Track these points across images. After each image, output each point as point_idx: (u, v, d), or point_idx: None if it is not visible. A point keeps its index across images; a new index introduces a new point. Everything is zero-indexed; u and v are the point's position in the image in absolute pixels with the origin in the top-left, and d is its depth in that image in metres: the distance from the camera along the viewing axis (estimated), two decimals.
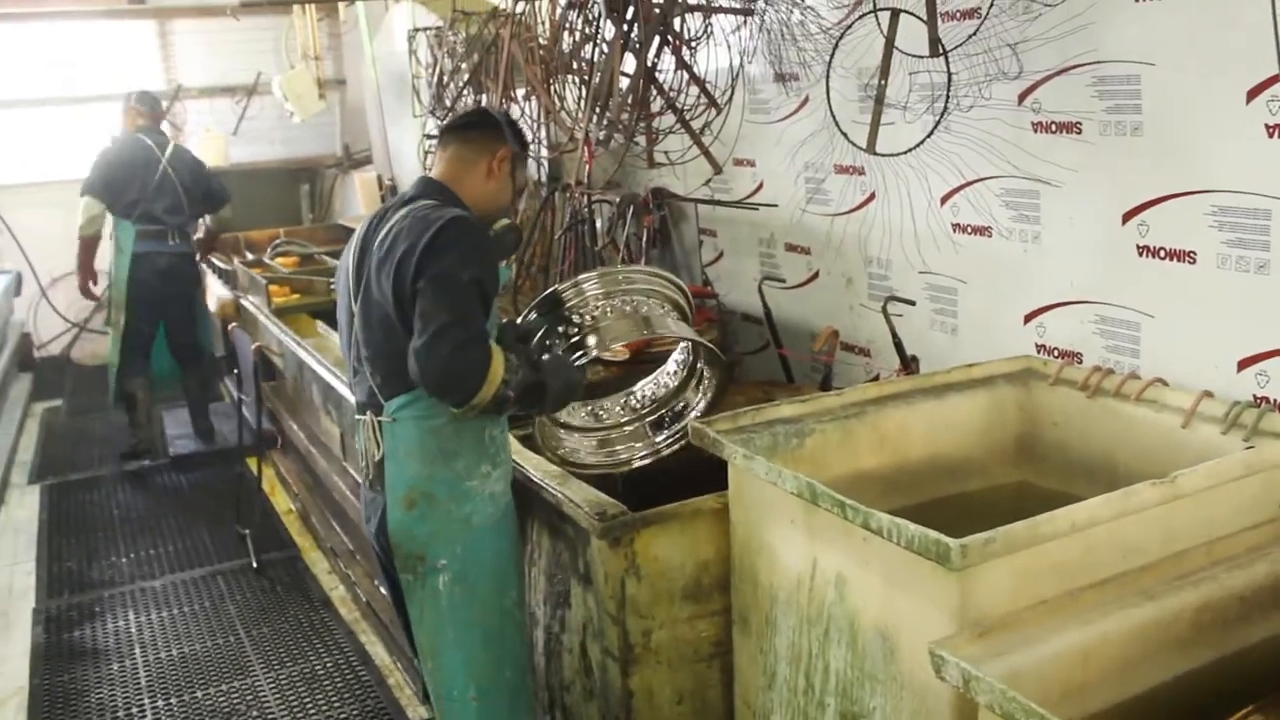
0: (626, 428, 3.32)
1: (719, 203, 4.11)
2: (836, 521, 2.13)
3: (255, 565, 4.89)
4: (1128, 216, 2.76)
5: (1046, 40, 2.82)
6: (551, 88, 4.19)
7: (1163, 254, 2.68)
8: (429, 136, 5.99)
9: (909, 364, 3.24)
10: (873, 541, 2.07)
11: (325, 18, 8.62)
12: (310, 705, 3.78)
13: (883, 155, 3.12)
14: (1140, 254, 2.74)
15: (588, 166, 4.08)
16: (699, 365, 3.26)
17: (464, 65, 4.87)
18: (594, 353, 2.86)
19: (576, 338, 2.87)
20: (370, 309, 2.64)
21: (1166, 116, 2.60)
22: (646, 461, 3.24)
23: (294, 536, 5.26)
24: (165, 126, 6.76)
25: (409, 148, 6.57)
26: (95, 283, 6.39)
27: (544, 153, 4.73)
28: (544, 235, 4.87)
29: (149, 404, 6.46)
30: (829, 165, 3.78)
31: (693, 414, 3.20)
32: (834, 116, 3.25)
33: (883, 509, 2.73)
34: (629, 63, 3.68)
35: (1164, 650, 1.91)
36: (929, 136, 3.02)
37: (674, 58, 3.62)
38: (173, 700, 3.86)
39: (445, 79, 5.17)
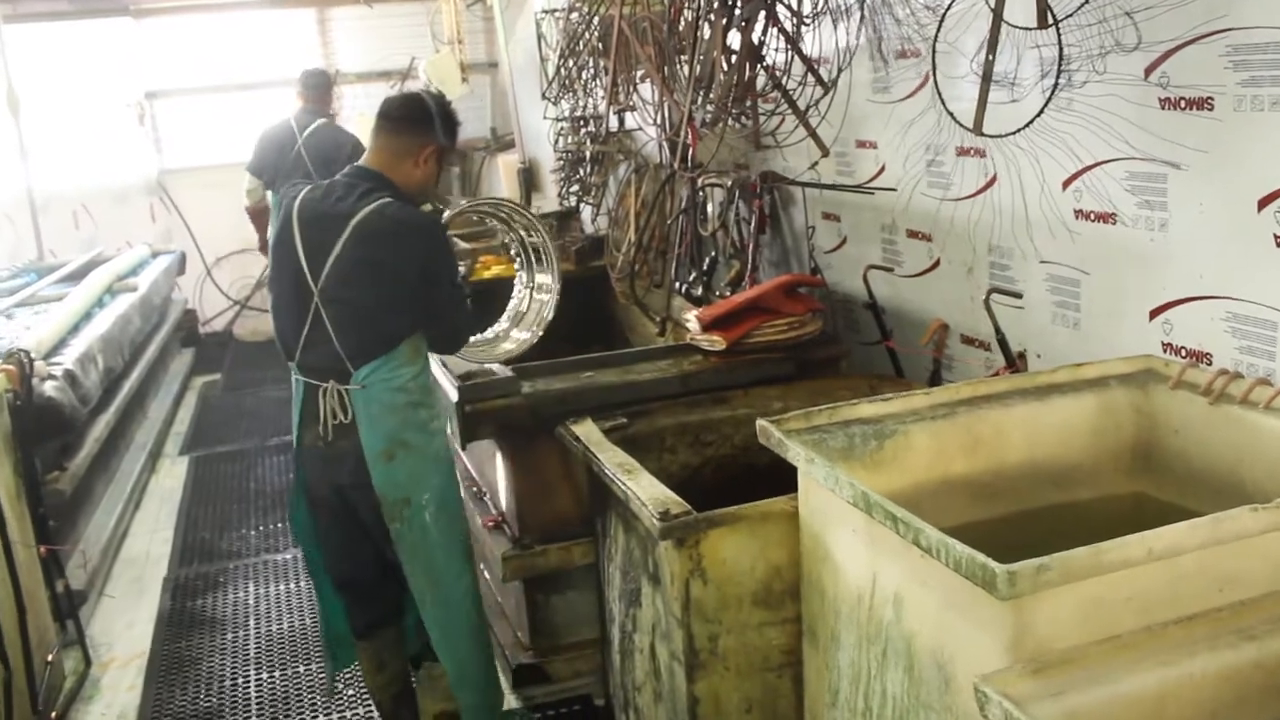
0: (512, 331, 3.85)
1: (827, 186, 3.92)
2: (895, 535, 1.96)
3: None
4: (1264, 202, 2.47)
5: (1170, 6, 2.54)
6: (666, 69, 4.08)
7: None
8: (557, 120, 5.97)
9: (1014, 361, 3.01)
10: (931, 559, 1.90)
11: (476, 2, 8.70)
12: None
13: (990, 136, 2.90)
14: (1279, 244, 2.46)
15: (691, 149, 3.95)
16: (539, 278, 3.88)
17: (580, 47, 4.79)
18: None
19: None
20: (344, 289, 2.93)
21: None
22: (523, 347, 3.76)
23: None
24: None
25: (544, 130, 6.55)
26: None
27: (659, 134, 4.62)
28: (662, 219, 4.77)
29: None
30: (950, 147, 3.55)
31: (548, 291, 3.84)
32: (940, 95, 3.03)
33: (973, 517, 2.53)
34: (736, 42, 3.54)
35: (1266, 698, 1.68)
36: (1038, 115, 2.78)
37: (781, 36, 3.46)
38: (276, 674, 3.95)
39: (561, 61, 5.12)
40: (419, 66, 8.09)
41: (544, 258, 3.78)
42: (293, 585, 4.68)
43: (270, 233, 3.20)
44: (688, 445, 3.31)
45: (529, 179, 6.72)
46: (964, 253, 3.61)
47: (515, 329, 3.78)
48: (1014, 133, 2.89)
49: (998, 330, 3.05)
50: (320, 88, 6.70)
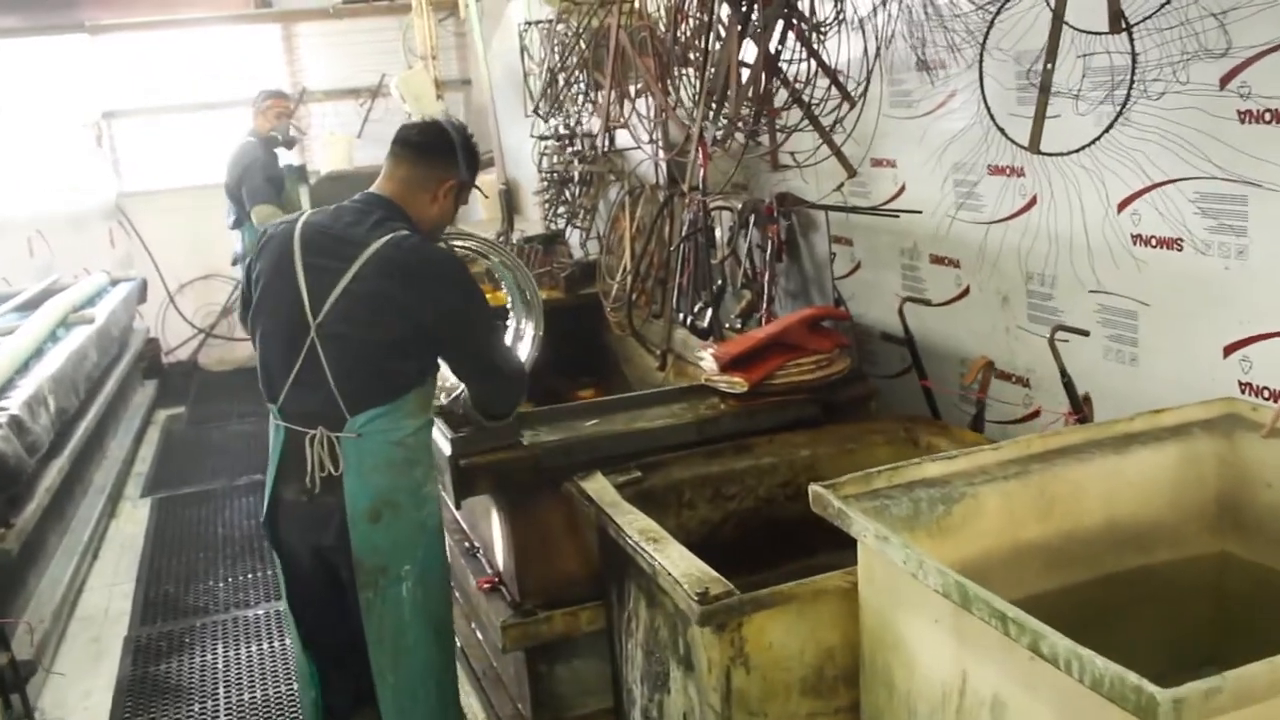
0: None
1: (854, 209, 3.62)
2: (995, 631, 1.65)
3: None
4: None
5: (1261, 6, 2.25)
6: (667, 81, 3.77)
7: None
8: (542, 138, 5.65)
9: (1081, 407, 2.70)
10: (1043, 662, 1.58)
11: (449, 16, 8.37)
12: None
13: (1049, 155, 2.60)
14: None
15: (702, 170, 3.64)
16: (521, 325, 3.56)
17: (572, 60, 4.48)
18: None
19: None
20: (347, 325, 2.65)
21: None
22: None
23: None
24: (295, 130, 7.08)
25: (526, 149, 6.22)
26: None
27: (660, 154, 4.30)
28: (660, 245, 4.44)
29: None
30: (982, 166, 3.25)
31: (527, 335, 3.53)
32: (988, 109, 2.74)
33: (1047, 586, 2.25)
34: (750, 52, 3.23)
35: None
36: (1107, 131, 2.49)
37: (800, 44, 3.15)
38: None
39: (551, 75, 4.79)
40: (390, 83, 7.75)
41: (526, 300, 3.47)
42: (265, 646, 4.31)
43: (257, 260, 2.84)
44: (707, 499, 2.99)
45: (510, 200, 6.38)
46: (998, 280, 3.31)
47: None
48: (1077, 150, 2.60)
49: (1064, 372, 2.75)
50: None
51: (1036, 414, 3.19)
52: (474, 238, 3.41)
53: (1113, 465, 2.30)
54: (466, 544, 3.74)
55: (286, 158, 7.16)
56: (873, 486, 2.13)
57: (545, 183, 5.74)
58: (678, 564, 2.27)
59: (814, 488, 2.11)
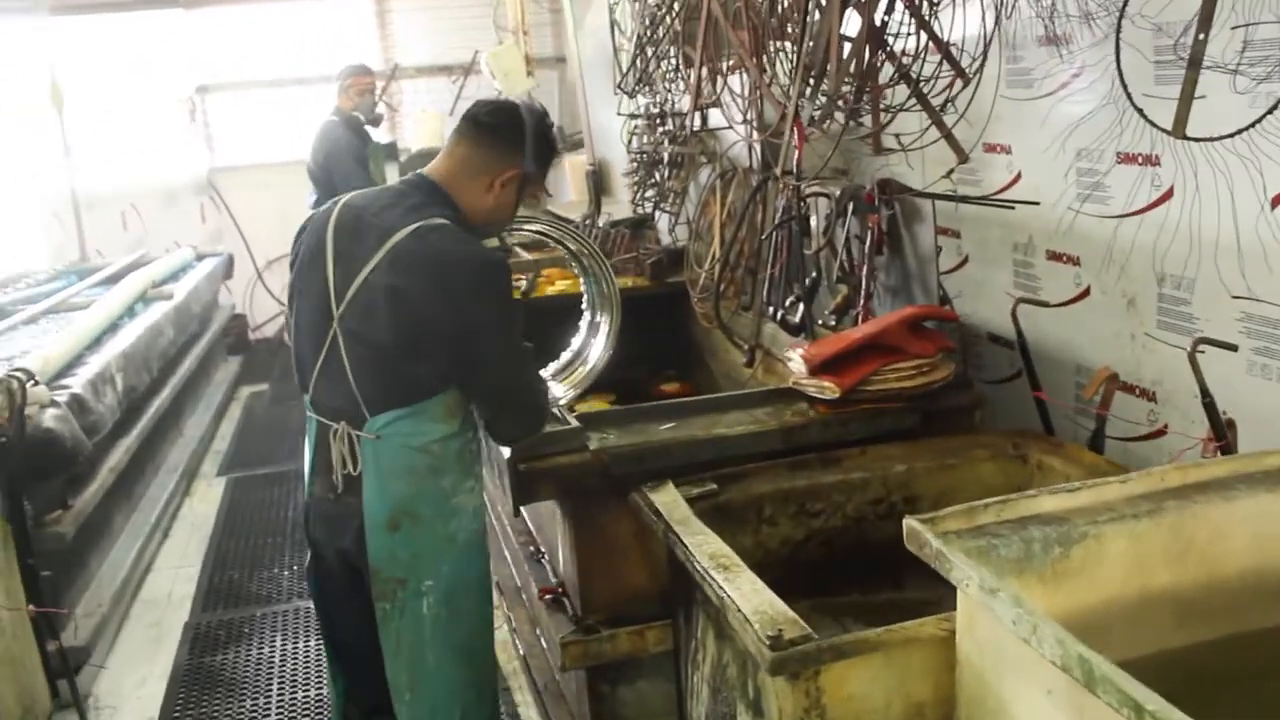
0: (551, 382, 3.16)
1: (964, 199, 3.28)
2: None
3: None
4: None
5: None
6: (762, 56, 3.47)
7: None
8: (632, 116, 5.38)
9: (1224, 433, 2.36)
10: None
11: None
12: None
13: (1195, 140, 2.26)
14: None
15: (797, 152, 3.33)
16: (596, 317, 3.21)
17: (661, 33, 4.20)
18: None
19: None
20: (364, 322, 2.44)
21: None
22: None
23: None
24: (382, 107, 6.93)
25: (616, 128, 5.96)
26: None
27: (753, 135, 4.00)
28: (752, 233, 4.16)
29: None
30: (1111, 153, 2.90)
31: (594, 355, 3.19)
32: (1125, 86, 2.40)
33: (1180, 643, 1.94)
34: (854, 24, 2.93)
35: None
36: (1269, 113, 2.13)
37: (910, 15, 2.84)
38: None
39: (639, 48, 4.52)
40: (481, 60, 7.56)
41: (604, 293, 3.18)
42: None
43: (299, 242, 2.63)
44: (790, 516, 2.71)
45: (598, 182, 6.14)
46: (1124, 281, 2.96)
47: (556, 380, 3.18)
48: (1231, 135, 2.25)
49: (1205, 391, 2.40)
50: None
51: (1162, 432, 2.84)
52: (546, 221, 3.15)
53: (1263, 505, 1.97)
54: (531, 548, 3.51)
55: (376, 135, 7.01)
56: (978, 522, 1.84)
57: (634, 164, 5.47)
58: (749, 599, 2.00)
59: (909, 522, 1.81)
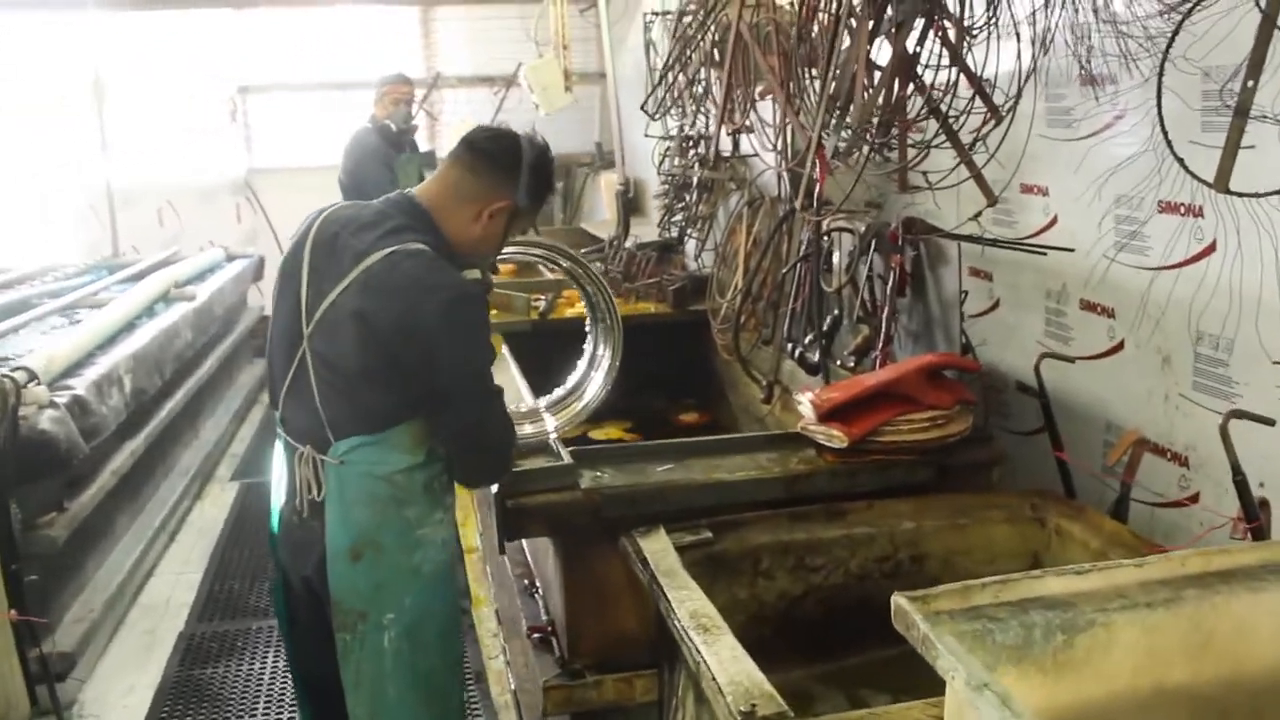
0: (545, 413, 3.01)
1: (993, 242, 3.13)
2: None
3: None
4: None
5: None
6: (793, 84, 3.33)
7: None
8: (666, 138, 5.26)
9: (1256, 514, 2.19)
10: None
11: (590, 7, 8.06)
12: None
13: (1239, 195, 2.10)
14: None
15: (819, 184, 3.19)
16: (599, 350, 3.07)
17: (691, 55, 4.08)
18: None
19: None
20: (329, 345, 2.33)
21: None
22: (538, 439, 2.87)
23: (470, 583, 4.63)
24: (421, 116, 6.97)
25: (649, 148, 5.84)
26: None
27: (779, 163, 3.87)
28: (777, 264, 4.02)
29: None
30: (1151, 201, 2.74)
31: (590, 391, 3.03)
32: (1165, 134, 2.24)
33: None
34: (885, 54, 2.79)
35: None
36: None
37: (944, 47, 2.70)
38: None
39: (665, 71, 4.40)
40: (521, 73, 7.48)
41: (607, 325, 3.05)
42: None
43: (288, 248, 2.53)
44: (788, 570, 2.56)
45: (628, 202, 6.01)
46: (1160, 337, 2.79)
47: (551, 411, 3.04)
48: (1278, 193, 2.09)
49: (1237, 469, 2.23)
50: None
51: (1194, 499, 2.67)
52: (541, 244, 3.02)
53: None
54: (526, 581, 3.39)
55: (421, 143, 6.97)
56: (974, 602, 1.68)
57: (665, 186, 5.35)
58: (726, 667, 1.86)
59: (897, 599, 1.66)
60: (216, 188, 8.66)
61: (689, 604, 2.10)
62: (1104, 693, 1.71)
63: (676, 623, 2.05)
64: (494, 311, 4.67)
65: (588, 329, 3.11)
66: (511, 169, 2.45)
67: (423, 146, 7.35)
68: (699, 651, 1.92)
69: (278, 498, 2.55)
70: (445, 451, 2.43)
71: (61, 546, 3.71)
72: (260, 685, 3.89)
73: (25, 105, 7.80)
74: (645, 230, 5.89)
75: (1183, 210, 2.64)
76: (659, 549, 2.37)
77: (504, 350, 4.16)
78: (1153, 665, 1.73)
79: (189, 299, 5.90)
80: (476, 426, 2.40)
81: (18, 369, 3.63)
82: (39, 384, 3.65)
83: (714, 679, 1.82)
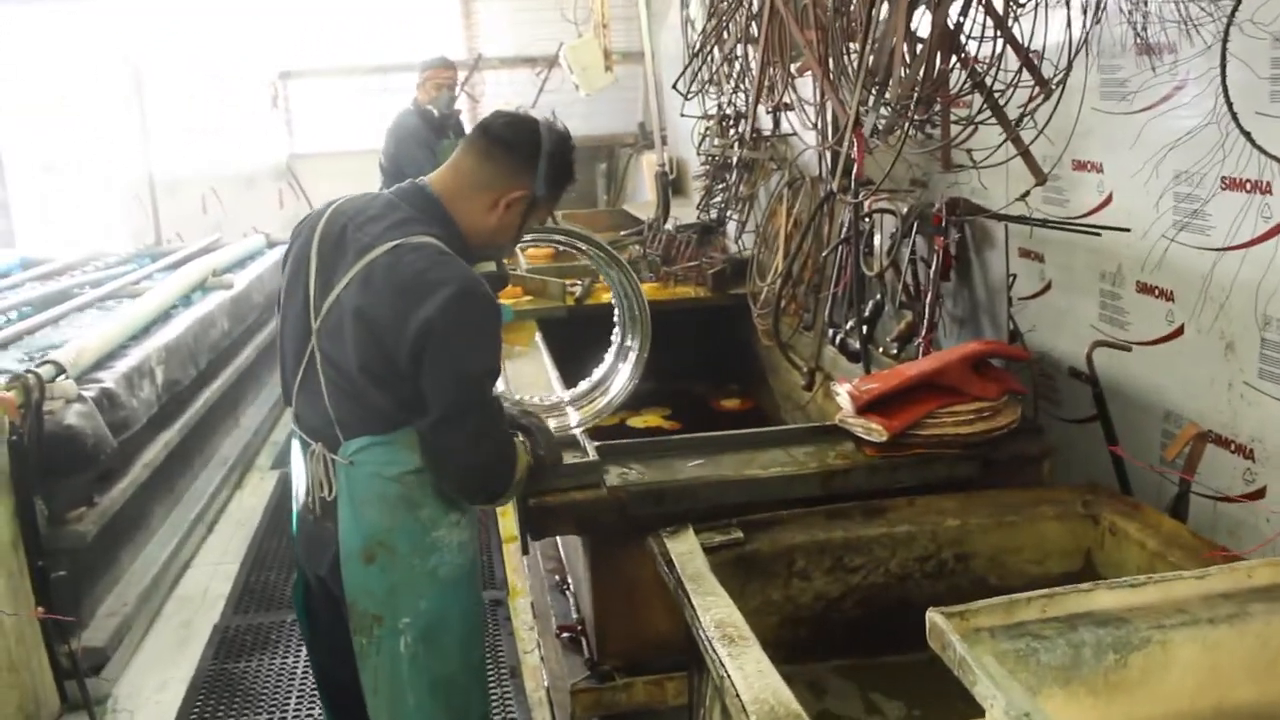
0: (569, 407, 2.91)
1: (1042, 222, 2.97)
2: None
3: None
4: None
5: None
6: (832, 59, 3.19)
7: None
8: (706, 117, 5.12)
9: None
10: None
11: None
12: None
13: None
14: None
15: (857, 164, 3.05)
16: (627, 341, 2.95)
17: (728, 31, 3.93)
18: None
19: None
20: (334, 344, 2.23)
21: None
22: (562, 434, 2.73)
23: (508, 573, 4.55)
24: (463, 99, 6.86)
25: (689, 127, 5.69)
26: None
27: (819, 142, 3.72)
28: (818, 247, 3.87)
29: None
30: (1214, 177, 2.57)
31: (616, 385, 2.92)
32: (1230, 105, 2.08)
33: None
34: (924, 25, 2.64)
35: None
36: None
37: (988, 17, 2.54)
38: None
39: (700, 47, 4.25)
40: (562, 53, 7.37)
41: (634, 315, 2.92)
42: None
43: (292, 240, 2.43)
44: (825, 570, 2.43)
45: (668, 183, 5.87)
46: (1223, 322, 2.62)
47: (575, 405, 2.92)
48: None
49: None
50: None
51: (1260, 494, 2.50)
52: (562, 230, 2.90)
53: None
54: (557, 577, 3.30)
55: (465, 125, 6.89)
56: (1018, 618, 1.56)
57: (705, 167, 5.20)
58: (751, 682, 1.74)
59: (932, 615, 1.54)
60: (259, 174, 8.66)
61: (714, 612, 1.98)
62: (1160, 715, 1.58)
63: (701, 631, 1.94)
64: (528, 297, 4.64)
65: (615, 319, 2.99)
66: (530, 157, 2.31)
67: (467, 129, 7.28)
68: (723, 665, 1.81)
69: (297, 493, 2.48)
70: (425, 460, 2.28)
71: (91, 541, 3.66)
72: (293, 681, 3.83)
73: (66, 95, 7.83)
74: (686, 211, 5.76)
75: (1249, 187, 2.46)
76: (686, 550, 2.26)
77: (537, 338, 4.06)
78: (1214, 685, 1.60)
79: (227, 287, 5.86)
80: (457, 435, 2.21)
81: (44, 363, 3.58)
82: (66, 378, 3.60)
83: (738, 696, 1.71)
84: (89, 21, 7.81)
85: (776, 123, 4.51)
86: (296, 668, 3.91)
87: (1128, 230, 2.88)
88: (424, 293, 2.12)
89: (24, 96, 7.96)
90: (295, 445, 2.44)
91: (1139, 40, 2.58)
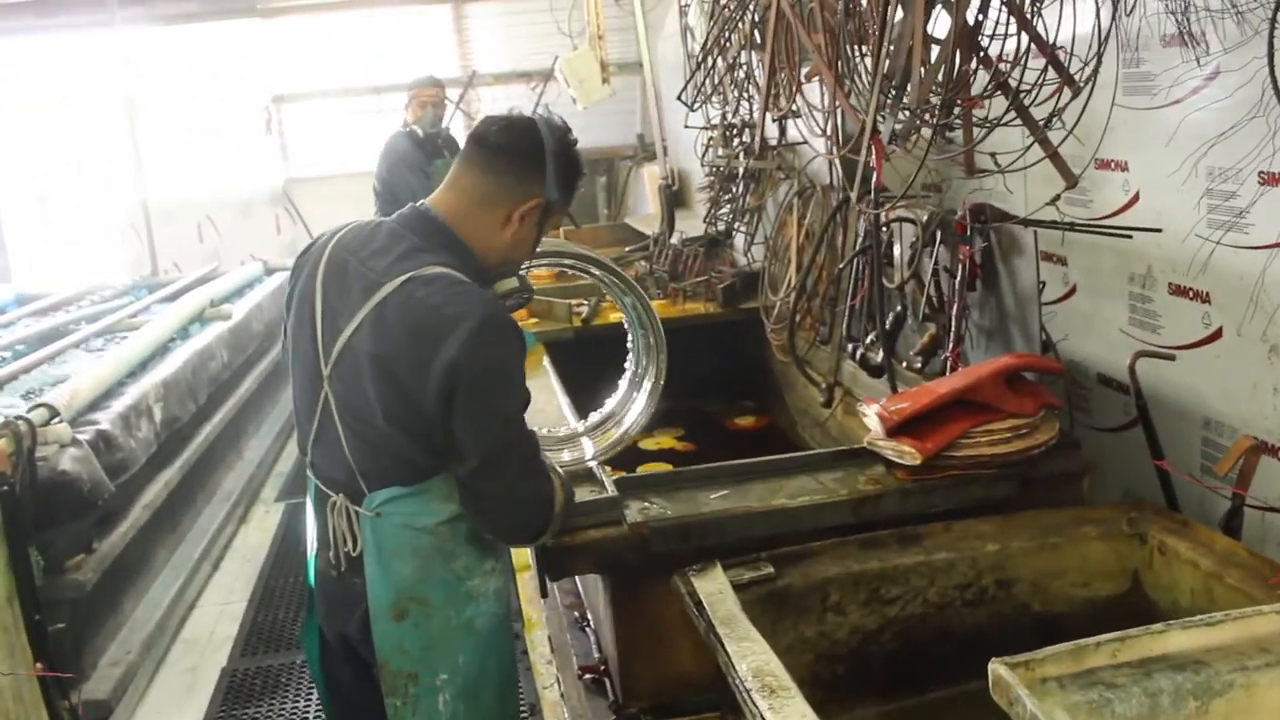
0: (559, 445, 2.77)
1: (1070, 226, 2.85)
2: None
3: None
4: None
5: None
6: (841, 63, 3.07)
7: None
8: (709, 127, 5.00)
9: None
10: None
11: None
12: None
13: None
14: None
15: (876, 172, 2.92)
16: (640, 369, 2.82)
17: (730, 38, 3.81)
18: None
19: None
20: (351, 391, 2.08)
21: None
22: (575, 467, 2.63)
23: (522, 604, 4.42)
24: (459, 117, 6.91)
25: (692, 138, 5.58)
26: None
27: (828, 150, 3.60)
28: (832, 258, 3.75)
29: None
30: (1251, 173, 2.45)
31: (631, 415, 2.79)
32: (1278, 92, 1.96)
33: None
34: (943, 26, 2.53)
35: None
36: None
37: (1009, 13, 2.42)
38: None
39: (702, 55, 4.13)
40: (558, 66, 7.26)
41: (649, 344, 2.78)
42: None
43: (293, 277, 2.29)
44: (861, 603, 2.30)
45: (672, 196, 5.76)
46: (1264, 324, 2.50)
47: (589, 437, 2.79)
48: None
49: None
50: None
51: None
52: (572, 253, 2.77)
53: None
54: (576, 613, 3.17)
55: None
56: (1087, 665, 1.43)
57: (710, 179, 5.09)
58: None
59: (995, 668, 1.41)
60: (255, 200, 8.57)
61: (752, 659, 1.85)
62: None
63: (738, 681, 1.81)
64: (534, 320, 4.51)
65: (629, 345, 2.86)
66: (535, 162, 2.15)
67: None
68: (764, 715, 1.68)
69: (311, 545, 2.34)
70: (465, 508, 2.16)
71: (91, 589, 3.55)
72: None
73: (59, 125, 7.75)
74: (691, 224, 5.64)
75: None
76: (715, 590, 2.13)
77: (545, 362, 3.94)
78: None
79: (225, 318, 5.75)
80: (494, 480, 2.09)
81: (36, 407, 3.46)
82: (60, 421, 3.48)
83: None
84: (81, 51, 7.72)
85: (783, 131, 4.40)
86: (309, 712, 3.79)
87: (1159, 230, 2.75)
88: (443, 331, 1.97)
89: (16, 127, 7.88)
90: (309, 495, 2.30)
91: (1181, 29, 2.45)
